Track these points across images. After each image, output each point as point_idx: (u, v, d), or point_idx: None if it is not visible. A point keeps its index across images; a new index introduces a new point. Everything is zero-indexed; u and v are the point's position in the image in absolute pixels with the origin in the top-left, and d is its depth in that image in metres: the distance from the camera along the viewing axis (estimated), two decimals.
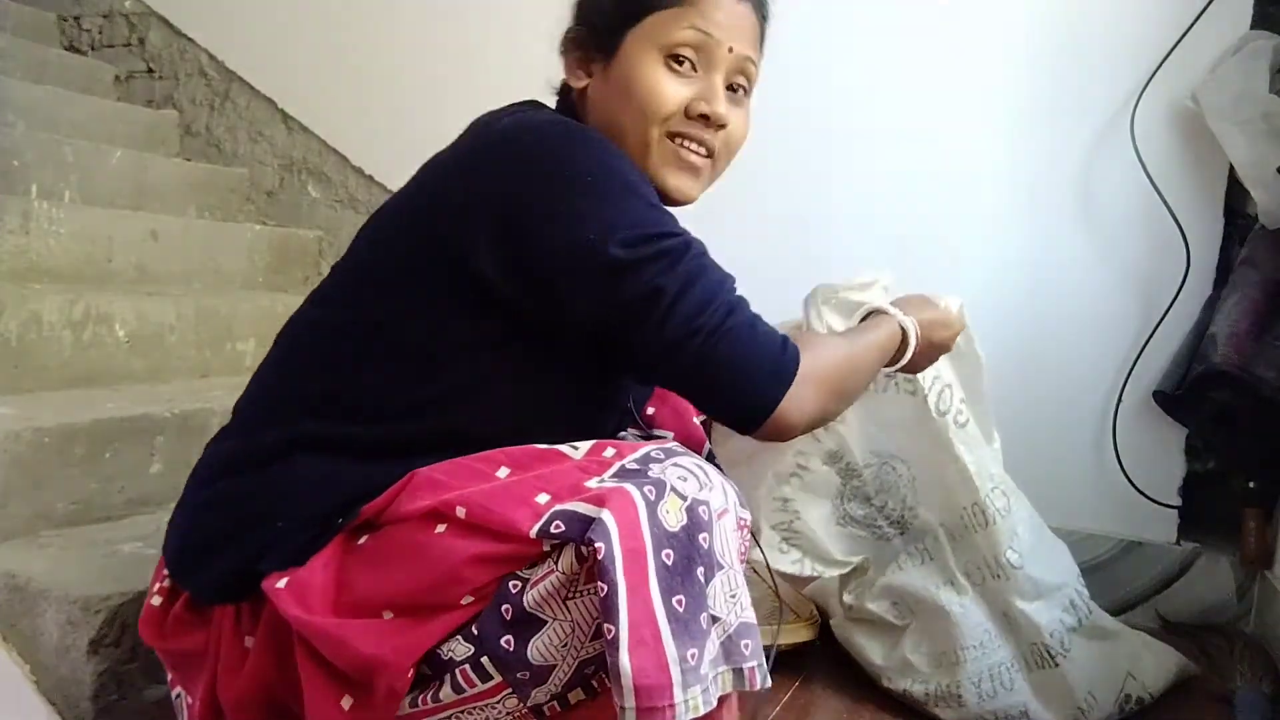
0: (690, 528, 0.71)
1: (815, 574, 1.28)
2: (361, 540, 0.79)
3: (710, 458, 1.06)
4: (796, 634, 1.35)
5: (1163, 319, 1.57)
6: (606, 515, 0.68)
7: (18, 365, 1.43)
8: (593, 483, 0.73)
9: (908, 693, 1.26)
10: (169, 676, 0.91)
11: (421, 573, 0.74)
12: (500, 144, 0.84)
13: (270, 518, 0.80)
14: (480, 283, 0.81)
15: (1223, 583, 1.57)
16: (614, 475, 0.74)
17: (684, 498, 0.72)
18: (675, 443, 0.85)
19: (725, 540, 0.74)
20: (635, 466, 0.75)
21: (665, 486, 0.72)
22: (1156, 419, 1.59)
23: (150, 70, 2.62)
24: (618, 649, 0.66)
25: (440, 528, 0.74)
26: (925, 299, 1.07)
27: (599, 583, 0.67)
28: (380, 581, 0.75)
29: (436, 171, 0.89)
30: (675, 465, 0.75)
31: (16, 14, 2.60)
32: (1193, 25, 1.53)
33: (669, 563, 0.69)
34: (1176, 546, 1.60)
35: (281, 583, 0.77)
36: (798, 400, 0.83)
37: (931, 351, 1.06)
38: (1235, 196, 1.55)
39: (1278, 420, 1.43)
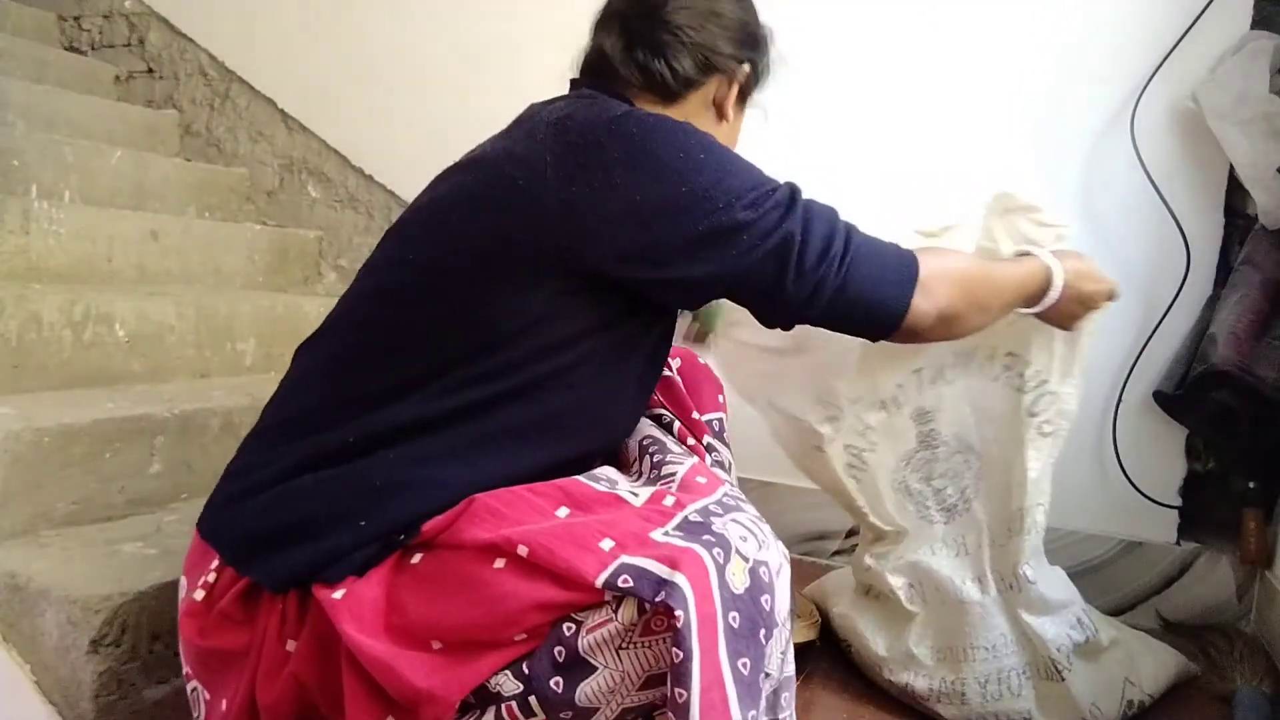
0: (754, 590, 0.72)
1: (866, 512, 1.29)
2: (416, 559, 0.79)
3: (709, 449, 1.07)
4: (796, 634, 1.35)
5: (1163, 319, 1.57)
6: (682, 580, 0.68)
7: (18, 365, 1.43)
8: (658, 534, 0.74)
9: (909, 686, 1.25)
10: (185, 670, 0.89)
11: (477, 610, 0.74)
12: (597, 140, 0.84)
13: (353, 516, 0.80)
14: (585, 275, 0.83)
15: (1223, 583, 1.57)
16: (677, 528, 0.75)
17: (746, 559, 0.73)
18: (727, 487, 0.86)
19: (782, 599, 0.75)
20: (698, 519, 0.76)
21: (730, 548, 0.73)
22: (1156, 419, 1.59)
23: (150, 70, 2.62)
24: (688, 713, 0.66)
25: (499, 563, 0.74)
26: (1080, 254, 1.11)
27: (675, 649, 0.67)
28: (434, 609, 0.76)
29: (512, 166, 0.86)
30: (735, 522, 0.76)
31: (16, 14, 2.61)
32: (1193, 25, 1.53)
33: (735, 625, 0.70)
34: (1176, 546, 1.60)
35: (339, 594, 0.77)
36: (925, 295, 0.91)
37: (1078, 304, 1.10)
38: (1235, 196, 1.55)
39: (1278, 420, 1.43)
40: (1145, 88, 1.56)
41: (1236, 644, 1.43)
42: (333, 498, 0.81)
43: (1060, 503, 1.61)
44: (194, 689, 0.89)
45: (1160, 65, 1.55)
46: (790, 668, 0.76)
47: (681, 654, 0.67)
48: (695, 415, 1.08)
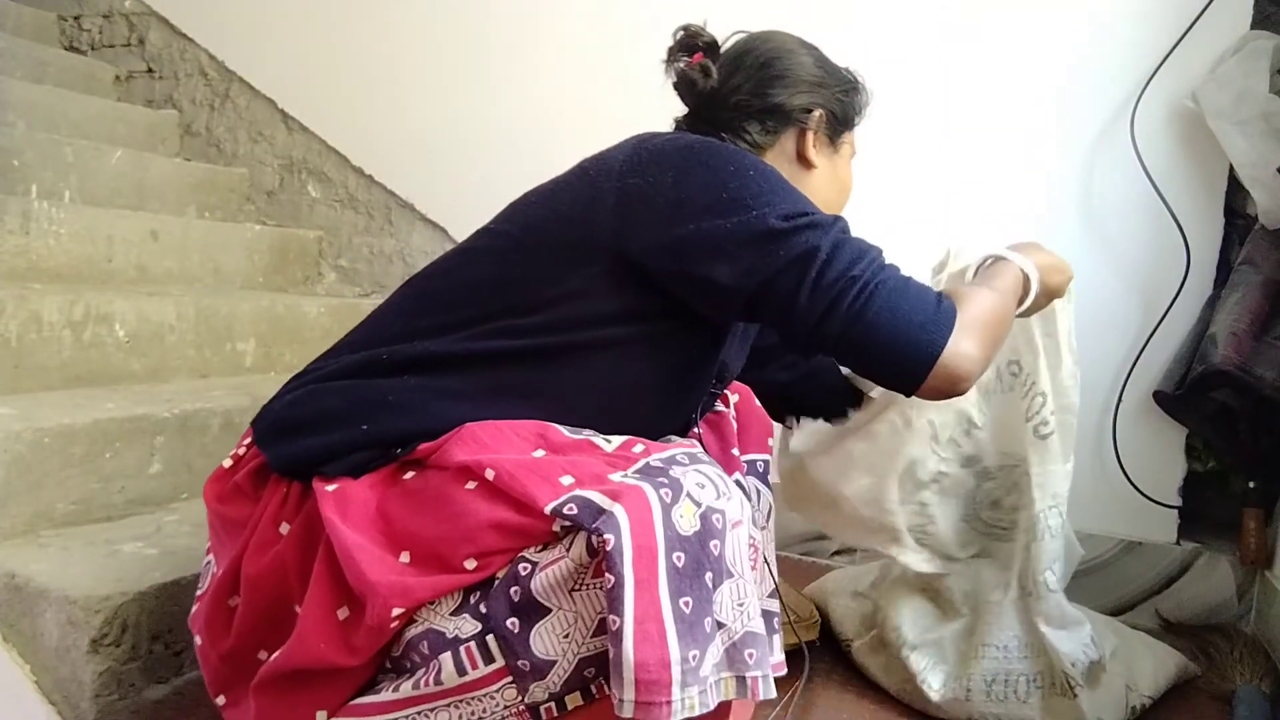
0: (703, 534, 0.73)
1: (938, 570, 1.28)
2: (408, 476, 0.85)
3: (739, 485, 1.05)
4: (793, 634, 1.35)
5: (1163, 319, 1.57)
6: (619, 510, 0.71)
7: (18, 365, 1.43)
8: (616, 476, 0.76)
9: (918, 673, 1.24)
10: (207, 545, 0.96)
11: (442, 524, 0.78)
12: (664, 149, 0.91)
13: (359, 420, 0.86)
14: (625, 262, 0.88)
15: (1223, 583, 1.57)
16: (637, 471, 0.77)
17: (698, 504, 0.74)
18: (699, 448, 0.87)
19: (737, 550, 0.76)
20: (659, 465, 0.78)
21: (682, 490, 0.74)
22: (1156, 419, 1.59)
23: (150, 70, 2.62)
24: (621, 641, 0.68)
25: (471, 484, 0.79)
26: (1037, 244, 1.07)
27: (607, 574, 0.69)
28: (409, 522, 0.81)
29: (591, 163, 0.96)
30: (696, 470, 0.78)
31: (16, 14, 2.61)
32: (1193, 25, 1.53)
33: (679, 565, 0.71)
34: (1176, 546, 1.60)
35: (331, 487, 0.84)
36: (963, 348, 0.82)
37: (1046, 297, 1.07)
38: (1235, 196, 1.55)
39: (1278, 420, 1.43)
40: (1145, 88, 1.57)
41: (1236, 644, 1.43)
42: (348, 402, 0.89)
43: None
44: (208, 563, 0.95)
45: (1160, 65, 1.56)
46: (756, 624, 0.76)
47: (614, 579, 0.68)
48: (735, 451, 1.08)
